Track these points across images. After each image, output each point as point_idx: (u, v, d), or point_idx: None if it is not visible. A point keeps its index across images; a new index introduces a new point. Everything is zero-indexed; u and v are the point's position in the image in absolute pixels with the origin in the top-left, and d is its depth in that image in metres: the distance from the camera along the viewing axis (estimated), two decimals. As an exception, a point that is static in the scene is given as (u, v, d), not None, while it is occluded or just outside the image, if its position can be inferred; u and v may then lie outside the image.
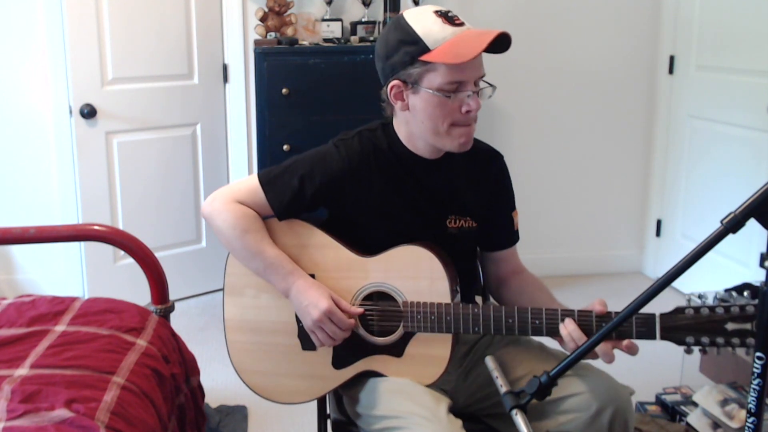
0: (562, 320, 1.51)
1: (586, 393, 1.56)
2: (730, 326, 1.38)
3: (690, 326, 1.40)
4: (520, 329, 1.54)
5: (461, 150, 1.62)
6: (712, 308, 1.39)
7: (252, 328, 1.73)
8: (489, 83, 1.60)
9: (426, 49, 1.52)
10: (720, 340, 1.39)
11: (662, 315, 1.43)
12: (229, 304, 1.74)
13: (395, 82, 1.59)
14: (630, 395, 1.61)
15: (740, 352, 1.40)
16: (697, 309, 1.40)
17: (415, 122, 1.61)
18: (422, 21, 1.54)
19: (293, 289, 1.63)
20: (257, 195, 1.66)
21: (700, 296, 1.41)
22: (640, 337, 1.44)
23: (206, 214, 1.70)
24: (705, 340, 1.39)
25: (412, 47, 1.53)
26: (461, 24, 1.55)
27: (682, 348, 1.43)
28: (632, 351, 1.46)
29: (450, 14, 1.56)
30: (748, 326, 1.36)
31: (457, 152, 1.63)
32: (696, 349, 1.42)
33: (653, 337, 1.43)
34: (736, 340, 1.38)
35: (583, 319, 1.50)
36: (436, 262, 1.60)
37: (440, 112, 1.56)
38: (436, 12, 1.56)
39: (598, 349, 1.46)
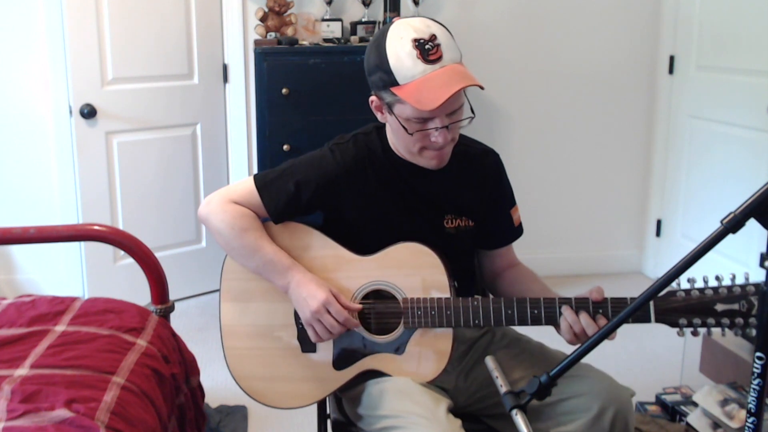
0: (560, 308, 1.53)
1: (587, 394, 1.57)
2: (720, 307, 1.42)
3: (682, 308, 1.44)
4: (520, 319, 1.55)
5: (436, 168, 1.64)
6: (701, 290, 1.43)
7: (250, 333, 1.71)
8: (472, 109, 1.59)
9: (395, 83, 1.52)
10: (711, 320, 1.42)
11: (656, 298, 1.45)
12: (226, 310, 1.73)
13: (374, 98, 1.61)
14: (631, 396, 1.61)
15: (730, 335, 1.43)
16: (687, 291, 1.44)
17: (393, 135, 1.66)
18: (398, 50, 1.51)
19: (292, 283, 1.62)
20: (253, 197, 1.67)
21: (689, 280, 1.44)
22: (635, 321, 1.46)
23: (203, 215, 1.70)
24: (697, 321, 1.43)
25: (385, 76, 1.53)
26: (436, 60, 1.49)
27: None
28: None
29: (428, 46, 1.50)
30: (736, 306, 1.40)
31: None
32: (688, 331, 1.45)
33: (648, 321, 1.46)
34: (726, 321, 1.42)
35: (580, 307, 1.52)
36: (434, 256, 1.61)
37: (410, 138, 1.58)
38: (415, 42, 1.50)
39: (584, 322, 1.50)
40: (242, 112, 3.74)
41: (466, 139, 1.74)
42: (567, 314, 1.52)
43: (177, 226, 3.74)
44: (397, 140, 1.65)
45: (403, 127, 1.56)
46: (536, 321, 1.55)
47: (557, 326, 1.56)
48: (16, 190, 3.57)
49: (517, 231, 1.82)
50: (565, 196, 4.11)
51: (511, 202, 1.81)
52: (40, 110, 3.48)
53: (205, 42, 3.64)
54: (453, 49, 1.53)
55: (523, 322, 1.56)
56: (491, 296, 1.83)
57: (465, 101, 1.57)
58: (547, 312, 1.54)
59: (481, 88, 1.50)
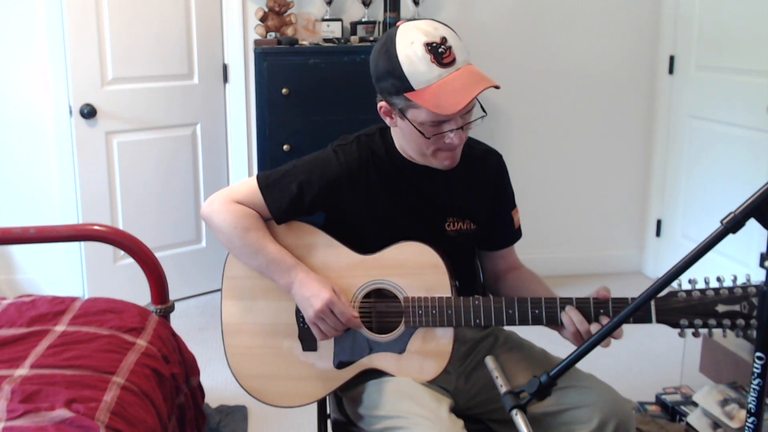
0: (563, 308, 1.52)
1: (589, 406, 1.56)
2: (721, 308, 1.42)
3: (683, 309, 1.44)
4: (521, 319, 1.55)
5: (448, 168, 1.64)
6: (703, 291, 1.43)
7: (251, 331, 1.72)
8: (483, 108, 1.58)
9: (410, 88, 1.50)
10: (712, 321, 1.42)
11: (657, 299, 1.45)
12: (227, 308, 1.73)
13: (383, 103, 1.61)
14: (632, 409, 1.61)
15: (731, 335, 1.43)
16: (689, 292, 1.44)
17: (403, 138, 1.65)
18: (410, 55, 1.49)
19: (296, 283, 1.62)
20: (256, 198, 1.67)
21: (690, 281, 1.44)
22: (636, 321, 1.46)
23: (206, 215, 1.70)
24: (698, 322, 1.43)
25: (398, 81, 1.51)
26: (450, 63, 1.49)
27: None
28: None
29: (441, 49, 1.49)
30: (737, 308, 1.40)
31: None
32: (689, 332, 1.45)
33: (649, 321, 1.46)
34: (727, 322, 1.42)
35: (582, 307, 1.52)
36: (435, 256, 1.61)
37: (423, 141, 1.58)
38: (427, 46, 1.49)
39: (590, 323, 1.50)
40: (242, 112, 3.74)
41: (469, 140, 1.73)
42: (573, 314, 1.51)
43: (177, 226, 3.74)
44: (407, 143, 1.64)
45: (419, 131, 1.55)
46: (537, 321, 1.55)
47: (559, 327, 1.55)
48: (16, 190, 3.57)
49: (516, 233, 1.82)
50: (565, 196, 4.11)
51: (512, 204, 1.81)
52: (40, 110, 3.48)
53: (205, 42, 3.64)
54: (463, 50, 1.53)
55: (524, 322, 1.55)
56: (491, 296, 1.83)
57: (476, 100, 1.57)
58: (548, 312, 1.54)
59: (497, 87, 1.50)
